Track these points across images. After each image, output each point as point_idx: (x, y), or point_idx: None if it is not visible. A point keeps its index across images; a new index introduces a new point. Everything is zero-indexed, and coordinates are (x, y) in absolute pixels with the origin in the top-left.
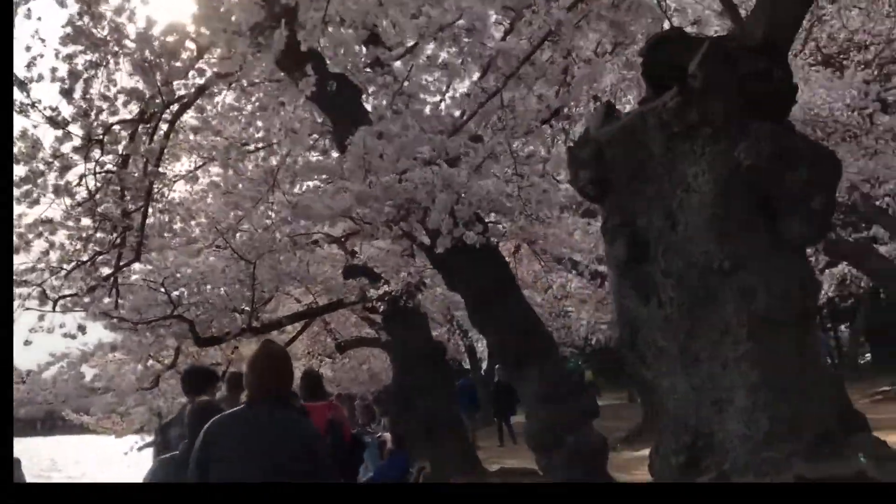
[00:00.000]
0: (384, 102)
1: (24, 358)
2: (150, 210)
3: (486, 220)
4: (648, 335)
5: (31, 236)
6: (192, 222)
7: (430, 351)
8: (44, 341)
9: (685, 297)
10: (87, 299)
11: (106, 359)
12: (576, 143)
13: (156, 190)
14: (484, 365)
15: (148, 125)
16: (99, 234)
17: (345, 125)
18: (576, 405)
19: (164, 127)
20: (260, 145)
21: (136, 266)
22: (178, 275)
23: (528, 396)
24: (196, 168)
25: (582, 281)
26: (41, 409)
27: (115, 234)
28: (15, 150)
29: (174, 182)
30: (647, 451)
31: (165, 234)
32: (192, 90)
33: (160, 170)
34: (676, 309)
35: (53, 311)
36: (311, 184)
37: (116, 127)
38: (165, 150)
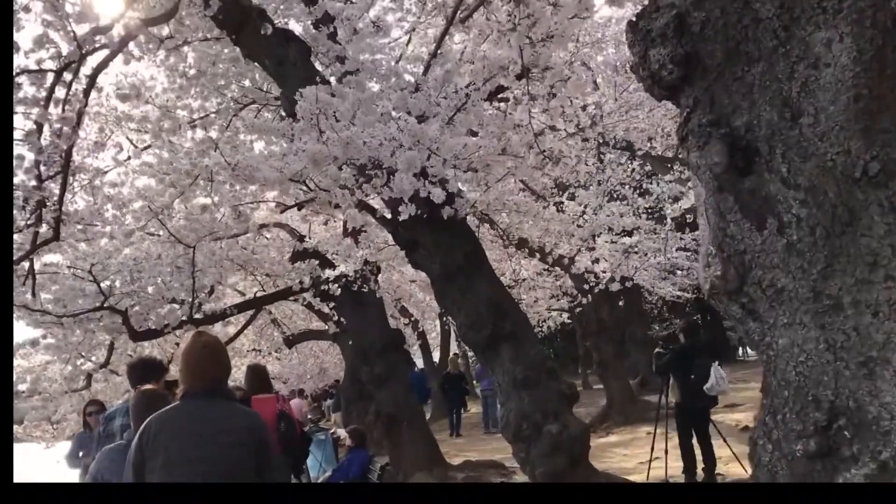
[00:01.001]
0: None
1: None
2: (73, 187)
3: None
4: (763, 273)
5: None
6: (123, 208)
7: (388, 340)
8: None
9: (818, 217)
10: None
11: (29, 359)
12: (642, 10)
13: (75, 161)
14: (436, 356)
15: (62, 79)
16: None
17: (294, 84)
18: (555, 389)
19: (82, 83)
20: (196, 116)
21: (58, 255)
22: (109, 261)
23: (504, 382)
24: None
25: (538, 267)
26: None
27: (26, 209)
28: None
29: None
30: (615, 438)
31: (94, 221)
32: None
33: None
34: (806, 234)
35: None
36: (258, 148)
37: (21, 79)
38: (85, 114)
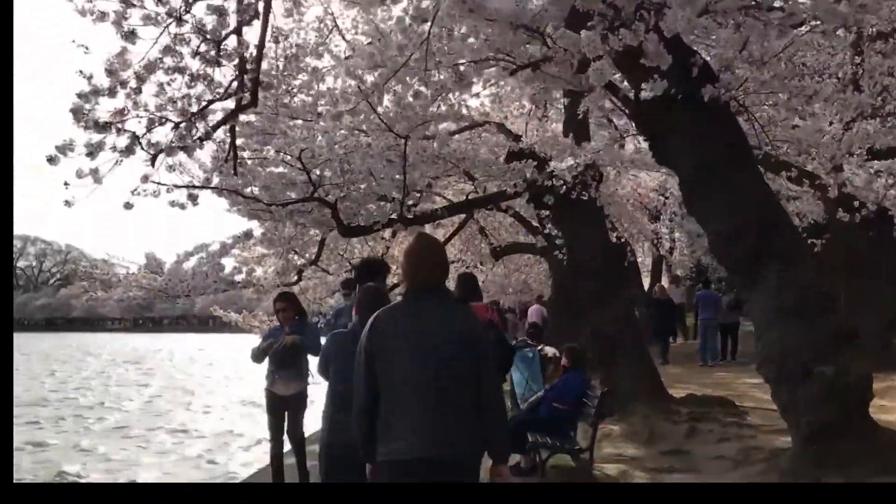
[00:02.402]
0: None
1: (163, 252)
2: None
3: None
4: None
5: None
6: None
7: (609, 254)
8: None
9: None
10: (186, 152)
11: (251, 250)
12: None
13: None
14: (645, 284)
15: None
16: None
17: None
18: (831, 324)
19: None
20: None
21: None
22: (318, 147)
23: (765, 309)
24: None
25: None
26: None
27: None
28: None
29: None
30: None
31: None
32: None
33: None
34: None
35: (153, 166)
36: None
37: None
38: None
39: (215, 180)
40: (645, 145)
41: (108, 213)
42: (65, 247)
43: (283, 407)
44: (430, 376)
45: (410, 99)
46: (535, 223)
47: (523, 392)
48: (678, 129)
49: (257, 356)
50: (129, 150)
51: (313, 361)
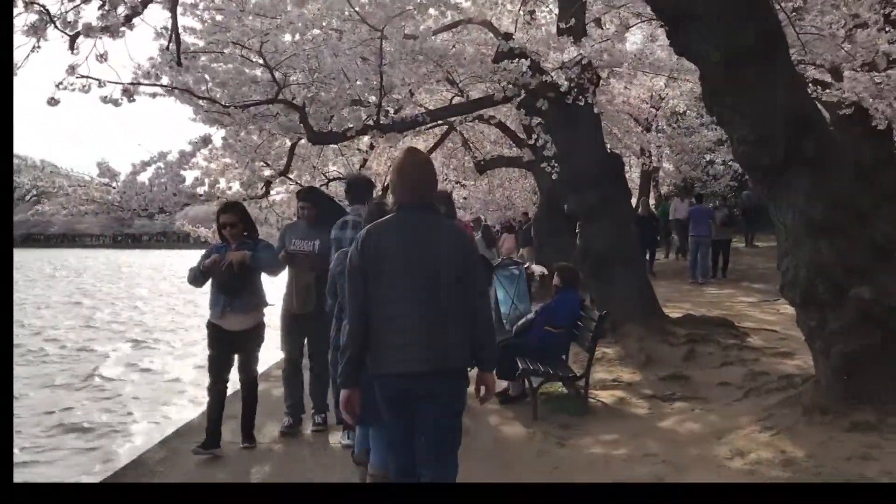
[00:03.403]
0: None
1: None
2: None
3: None
4: None
5: None
6: None
7: (604, 165)
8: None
9: None
10: (110, 35)
11: (212, 163)
12: None
13: None
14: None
15: None
16: None
17: None
18: (866, 238)
19: None
20: None
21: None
22: (281, 40)
23: (792, 223)
24: None
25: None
26: (171, 222)
27: None
28: None
29: None
30: None
31: None
32: None
33: None
34: None
35: (72, 51)
36: None
37: None
38: None
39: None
40: (647, 45)
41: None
42: (39, 162)
43: (234, 344)
44: (426, 289)
45: None
46: (521, 135)
47: (508, 311)
48: (705, 11)
49: (196, 278)
50: (34, 30)
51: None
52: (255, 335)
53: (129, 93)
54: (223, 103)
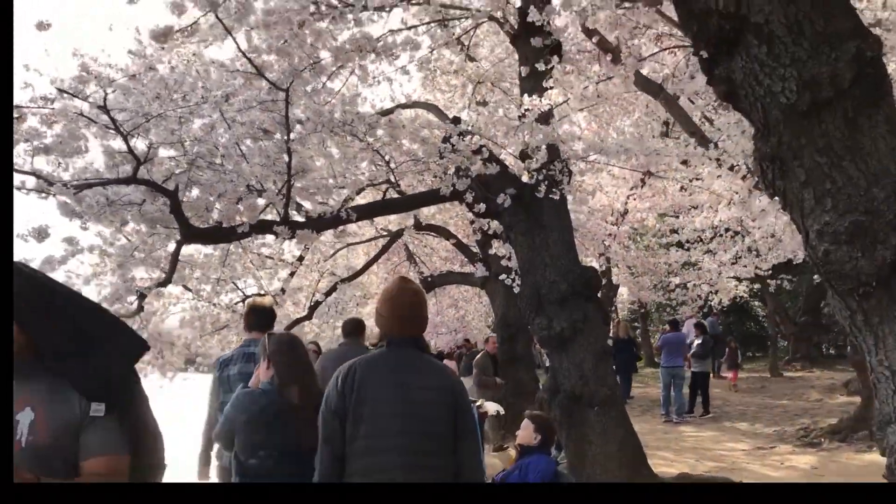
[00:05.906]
0: None
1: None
2: None
3: None
4: None
5: None
6: None
7: (577, 281)
8: None
9: None
10: None
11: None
12: None
13: None
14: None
15: None
16: None
17: None
18: None
19: None
20: None
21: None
22: (135, 93)
23: None
24: None
25: None
26: None
27: None
28: None
29: None
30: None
31: None
32: None
33: None
34: None
35: None
36: None
37: None
38: None
39: None
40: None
41: None
42: None
43: None
44: (413, 435)
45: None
46: (474, 249)
47: None
48: (776, 24)
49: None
50: None
51: None
52: None
53: None
54: (51, 182)
